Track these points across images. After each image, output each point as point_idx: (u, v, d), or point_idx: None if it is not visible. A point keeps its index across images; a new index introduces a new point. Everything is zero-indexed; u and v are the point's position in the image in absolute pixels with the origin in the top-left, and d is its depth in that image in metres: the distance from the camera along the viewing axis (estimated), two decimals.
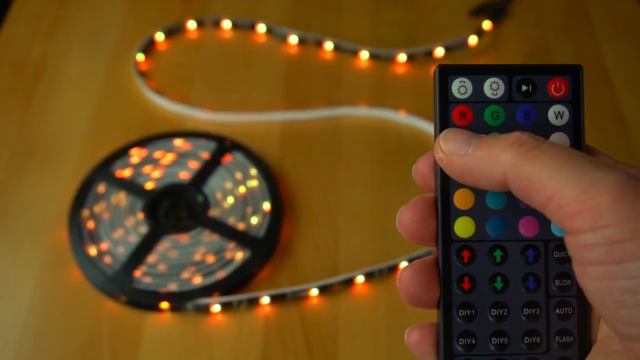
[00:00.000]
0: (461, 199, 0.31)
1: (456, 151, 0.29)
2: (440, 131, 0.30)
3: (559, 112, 0.31)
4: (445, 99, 0.31)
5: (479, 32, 0.75)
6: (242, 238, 0.61)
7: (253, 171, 0.65)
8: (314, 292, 0.58)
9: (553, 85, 0.31)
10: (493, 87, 0.31)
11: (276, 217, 0.62)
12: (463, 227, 0.31)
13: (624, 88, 0.72)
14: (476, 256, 0.31)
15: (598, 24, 0.77)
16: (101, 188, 0.64)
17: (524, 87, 0.31)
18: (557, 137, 0.30)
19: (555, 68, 0.31)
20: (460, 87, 0.31)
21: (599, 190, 0.25)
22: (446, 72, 0.31)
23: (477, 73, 0.31)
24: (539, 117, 0.31)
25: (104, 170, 0.65)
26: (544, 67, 0.31)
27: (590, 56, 0.75)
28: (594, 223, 0.25)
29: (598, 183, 0.25)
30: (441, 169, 0.31)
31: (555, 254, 0.30)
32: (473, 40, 0.74)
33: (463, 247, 0.31)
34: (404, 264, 0.59)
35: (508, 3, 0.79)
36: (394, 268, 0.60)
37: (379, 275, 0.59)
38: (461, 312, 0.30)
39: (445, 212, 0.31)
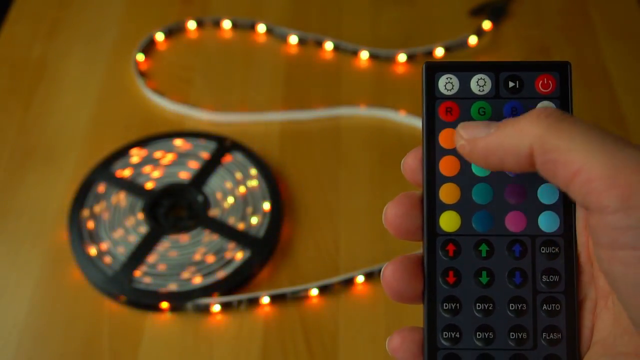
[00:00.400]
0: (447, 193, 0.31)
1: (478, 135, 0.29)
2: (427, 126, 0.31)
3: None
4: (431, 95, 0.31)
5: (479, 32, 0.75)
6: (242, 238, 0.61)
7: (253, 171, 0.65)
8: (314, 292, 0.58)
9: (540, 81, 0.31)
10: (480, 84, 0.31)
11: (276, 217, 0.62)
12: (448, 221, 0.31)
13: (624, 88, 0.72)
14: (461, 250, 0.31)
15: (598, 24, 0.77)
16: (101, 188, 0.64)
17: (511, 84, 0.31)
18: None
19: (543, 64, 0.31)
20: (447, 84, 0.31)
21: (632, 168, 0.24)
22: (433, 69, 0.31)
23: (464, 70, 0.31)
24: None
25: (104, 170, 0.65)
26: (531, 63, 0.31)
27: (590, 56, 0.75)
28: (624, 202, 0.24)
29: (630, 160, 0.24)
30: (427, 163, 0.31)
31: (543, 249, 0.30)
32: (473, 40, 0.74)
33: (448, 241, 0.31)
34: None
35: (508, 3, 0.79)
36: None
37: (379, 275, 0.59)
38: (445, 306, 0.30)
39: (430, 206, 0.31)
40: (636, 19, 0.78)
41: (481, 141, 0.28)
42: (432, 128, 0.31)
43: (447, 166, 0.31)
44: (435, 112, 0.31)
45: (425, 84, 0.31)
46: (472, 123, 0.29)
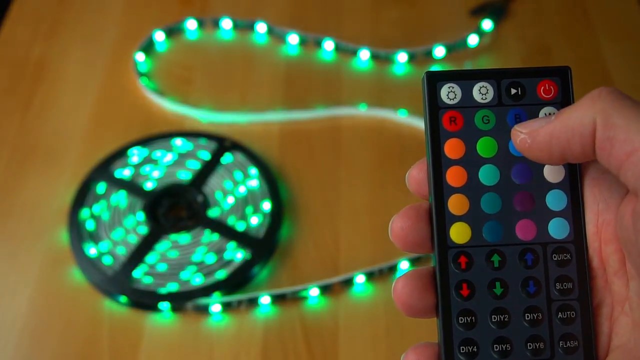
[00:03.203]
0: (456, 204, 0.30)
1: (538, 126, 0.28)
2: (432, 137, 0.30)
3: (549, 113, 0.30)
4: (434, 105, 0.31)
5: (479, 32, 0.75)
6: (242, 238, 0.61)
7: (253, 171, 0.65)
8: (314, 292, 0.58)
9: (542, 87, 0.31)
10: (482, 92, 0.31)
11: (276, 217, 0.62)
12: (459, 233, 0.30)
13: (624, 88, 0.71)
14: (474, 262, 0.30)
15: (598, 24, 0.77)
16: (101, 188, 0.64)
17: (513, 91, 0.31)
18: None
19: (543, 70, 0.31)
20: (449, 93, 0.31)
21: None
22: (434, 78, 0.31)
23: (466, 78, 0.31)
24: (530, 119, 0.30)
25: (104, 170, 0.65)
26: (531, 69, 0.31)
27: (590, 56, 0.75)
28: None
29: None
30: (434, 175, 0.30)
31: (555, 257, 0.30)
32: (473, 40, 0.74)
33: (460, 253, 0.30)
34: (404, 264, 0.59)
35: (508, 3, 0.79)
36: (394, 268, 0.60)
37: (379, 275, 0.59)
38: (461, 320, 0.30)
39: (440, 218, 0.30)
40: (636, 19, 0.78)
41: (543, 129, 0.28)
42: (437, 138, 0.30)
43: (454, 177, 0.30)
44: (439, 122, 0.31)
45: (427, 94, 0.31)
46: (528, 121, 0.29)
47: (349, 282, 0.59)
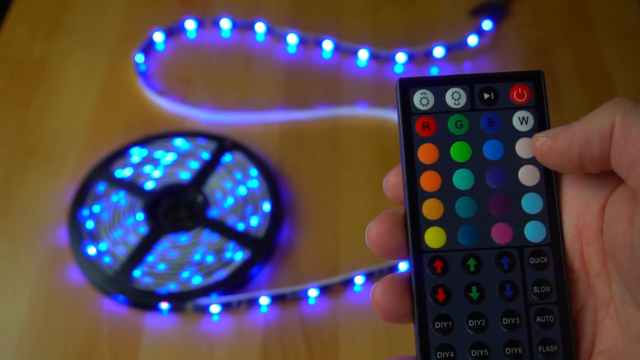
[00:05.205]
0: (430, 209, 0.30)
1: (558, 130, 0.28)
2: (405, 142, 0.31)
3: (523, 117, 0.31)
4: (407, 111, 0.31)
5: (479, 32, 0.75)
6: (242, 238, 0.61)
7: (253, 171, 0.65)
8: (314, 292, 0.58)
9: (515, 91, 0.31)
10: (455, 97, 0.31)
11: (276, 217, 0.62)
12: (434, 238, 0.30)
13: (624, 88, 0.72)
14: (449, 266, 0.30)
15: (598, 24, 0.77)
16: (101, 188, 0.64)
17: (485, 95, 0.31)
18: (524, 143, 0.30)
19: (516, 75, 0.31)
20: (422, 99, 0.31)
21: None
22: (407, 85, 0.31)
23: (438, 84, 0.31)
24: (504, 123, 0.31)
25: (103, 170, 0.65)
26: (504, 74, 0.31)
27: (590, 56, 0.75)
28: None
29: None
30: (408, 180, 0.30)
31: (532, 260, 0.30)
32: (473, 40, 0.74)
33: (435, 257, 0.30)
34: (403, 265, 0.59)
35: (508, 3, 0.79)
36: (393, 268, 0.60)
37: (379, 275, 0.59)
38: (437, 325, 0.30)
39: (414, 223, 0.30)
40: (636, 19, 0.78)
41: (564, 131, 0.28)
42: (410, 144, 0.31)
43: (428, 182, 0.31)
44: (412, 128, 0.31)
45: (400, 101, 0.31)
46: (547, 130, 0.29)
47: (348, 282, 0.59)
